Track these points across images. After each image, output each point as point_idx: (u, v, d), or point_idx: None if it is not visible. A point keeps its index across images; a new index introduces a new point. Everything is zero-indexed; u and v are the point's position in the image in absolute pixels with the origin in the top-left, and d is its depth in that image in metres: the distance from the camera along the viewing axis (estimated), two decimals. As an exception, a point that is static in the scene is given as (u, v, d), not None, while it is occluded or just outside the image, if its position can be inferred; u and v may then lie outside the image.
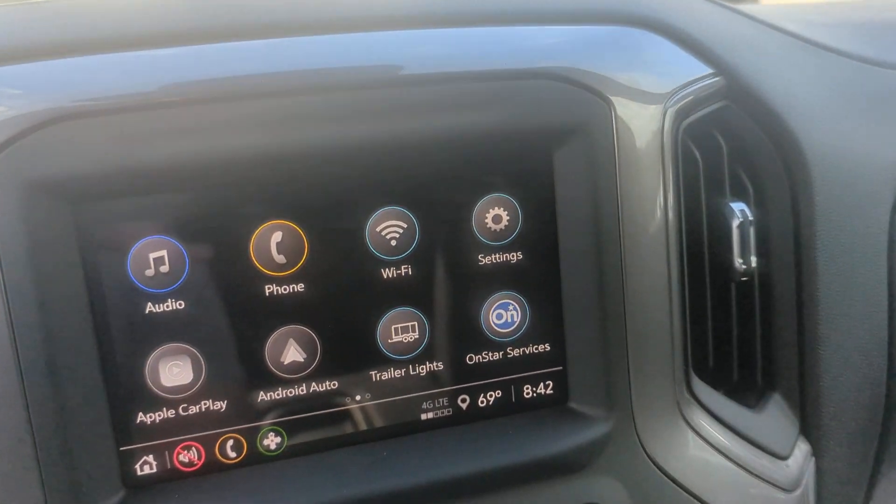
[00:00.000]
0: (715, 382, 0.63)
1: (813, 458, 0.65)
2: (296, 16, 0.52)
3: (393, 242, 0.53)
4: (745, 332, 0.64)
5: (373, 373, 0.54)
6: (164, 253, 0.49)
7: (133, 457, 0.51)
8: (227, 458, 0.52)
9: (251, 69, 0.49)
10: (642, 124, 0.55)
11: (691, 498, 0.58)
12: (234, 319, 0.51)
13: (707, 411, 0.61)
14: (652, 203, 0.56)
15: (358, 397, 0.54)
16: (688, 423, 0.59)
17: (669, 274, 0.57)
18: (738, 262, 0.61)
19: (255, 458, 0.53)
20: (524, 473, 0.54)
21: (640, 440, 0.57)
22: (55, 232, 0.46)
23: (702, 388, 0.61)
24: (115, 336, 0.49)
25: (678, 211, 0.58)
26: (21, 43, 0.48)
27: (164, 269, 0.49)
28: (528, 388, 0.57)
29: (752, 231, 0.61)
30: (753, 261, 0.61)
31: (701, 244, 0.61)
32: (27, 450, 0.47)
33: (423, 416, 0.55)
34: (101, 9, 0.51)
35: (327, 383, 0.53)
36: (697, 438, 0.59)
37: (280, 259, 0.51)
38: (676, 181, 0.58)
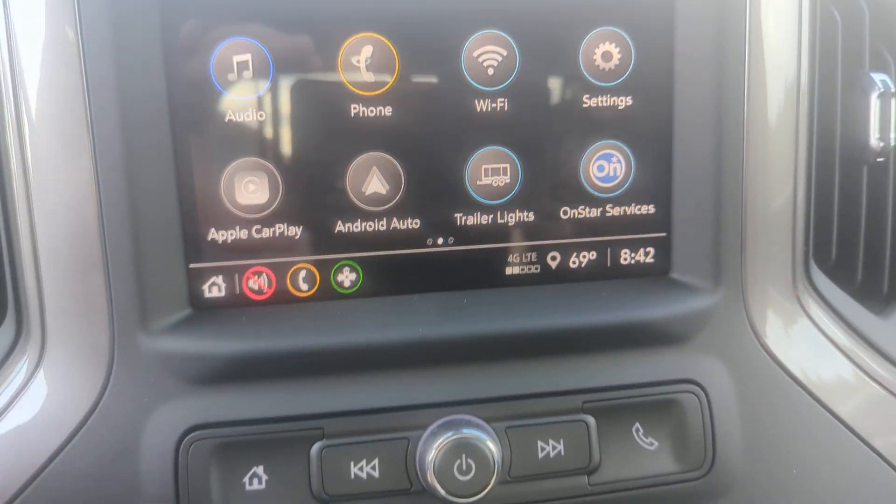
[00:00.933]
0: (836, 279, 0.56)
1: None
2: None
3: (490, 71, 0.48)
4: (874, 226, 0.57)
5: (458, 215, 0.50)
6: (248, 57, 0.46)
7: (202, 277, 0.48)
8: (299, 289, 0.49)
9: None
10: (780, -38, 0.49)
11: (804, 393, 0.51)
12: (315, 138, 0.47)
13: (827, 305, 0.54)
14: (785, 54, 0.50)
15: (440, 240, 0.50)
16: (805, 313, 0.53)
17: (797, 142, 0.51)
18: (874, 138, 0.53)
19: (328, 294, 0.49)
20: (615, 338, 0.49)
21: (749, 321, 0.51)
22: (139, 20, 0.44)
23: (822, 280, 0.55)
24: (192, 142, 0.46)
25: (812, 72, 0.51)
26: None
27: (248, 74, 0.46)
28: (626, 253, 0.52)
29: (893, 105, 0.53)
30: (893, 138, 0.54)
31: (833, 117, 0.54)
32: (96, 255, 0.45)
33: (508, 271, 0.51)
34: None
35: (409, 221, 0.49)
36: (815, 331, 0.53)
37: (368, 76, 0.47)
38: (812, 38, 0.51)
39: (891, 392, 0.53)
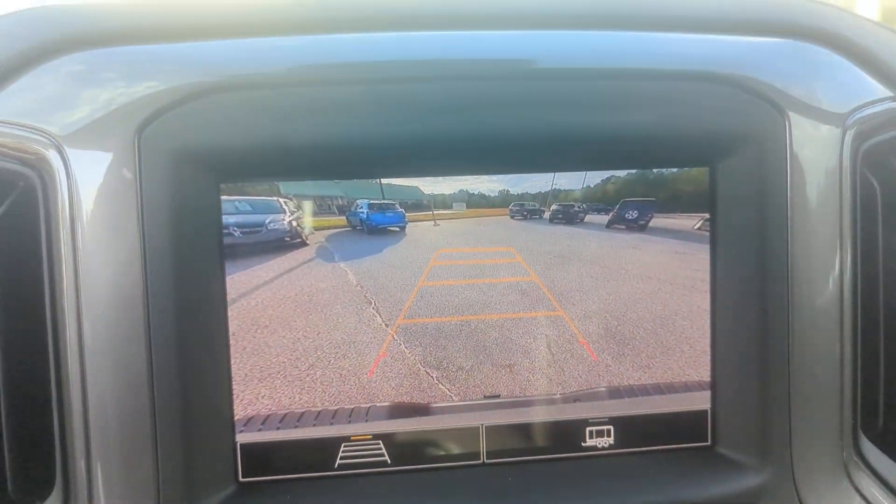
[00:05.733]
0: (883, 447, 0.55)
1: None
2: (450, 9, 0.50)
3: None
4: (923, 392, 0.56)
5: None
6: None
7: (249, 451, 0.48)
8: (343, 464, 0.49)
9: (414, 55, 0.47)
10: (819, 141, 0.50)
11: (861, 575, 0.50)
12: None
13: (877, 477, 0.53)
14: (826, 229, 0.50)
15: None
16: (855, 489, 0.52)
17: (842, 313, 0.51)
18: (919, 306, 0.53)
19: (367, 466, 0.49)
20: (665, 519, 0.48)
21: (799, 498, 0.50)
22: (197, 203, 0.45)
23: (871, 451, 0.54)
24: (244, 321, 0.47)
25: (854, 242, 0.52)
26: (175, 24, 0.48)
27: (300, 255, 0.47)
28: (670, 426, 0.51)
29: (935, 270, 0.53)
30: (937, 306, 0.54)
31: (876, 285, 0.54)
32: (146, 432, 0.45)
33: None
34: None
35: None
36: (868, 507, 0.51)
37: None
38: (853, 209, 0.52)
39: (950, 568, 0.51)
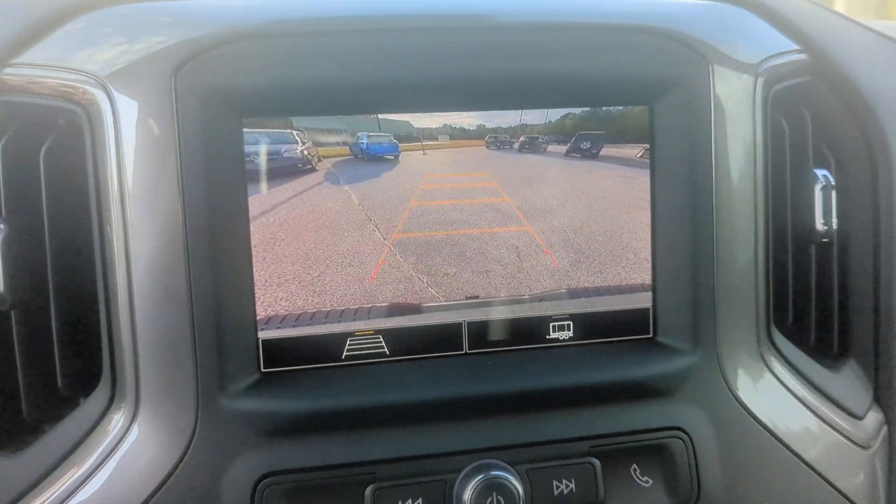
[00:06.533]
0: (793, 340, 0.67)
1: (886, 427, 0.67)
2: None
3: None
4: (824, 295, 0.68)
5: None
6: (311, 165, 0.56)
7: (269, 345, 0.57)
8: (351, 355, 0.58)
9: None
10: (737, 85, 0.61)
11: (769, 436, 0.61)
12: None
13: (786, 362, 0.64)
14: (743, 157, 0.61)
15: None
16: (769, 369, 0.63)
17: (756, 227, 0.62)
18: (819, 223, 0.65)
19: (369, 357, 0.59)
20: (615, 392, 0.59)
21: (723, 376, 0.61)
22: (224, 135, 0.54)
23: (782, 341, 0.65)
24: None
25: (766, 170, 0.63)
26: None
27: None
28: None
29: (833, 196, 0.65)
30: (834, 223, 0.65)
31: (784, 206, 0.66)
32: (185, 332, 0.53)
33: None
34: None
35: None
36: (777, 384, 0.63)
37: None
38: (765, 142, 0.63)
39: (849, 439, 0.63)
